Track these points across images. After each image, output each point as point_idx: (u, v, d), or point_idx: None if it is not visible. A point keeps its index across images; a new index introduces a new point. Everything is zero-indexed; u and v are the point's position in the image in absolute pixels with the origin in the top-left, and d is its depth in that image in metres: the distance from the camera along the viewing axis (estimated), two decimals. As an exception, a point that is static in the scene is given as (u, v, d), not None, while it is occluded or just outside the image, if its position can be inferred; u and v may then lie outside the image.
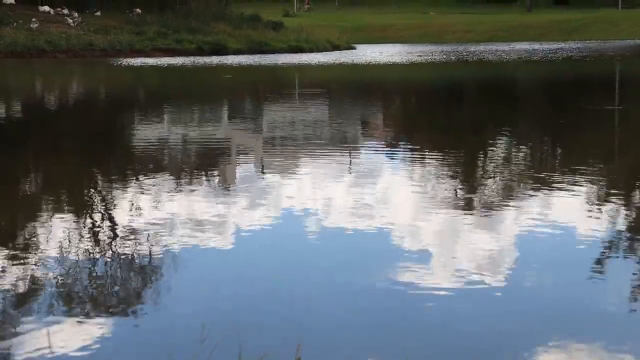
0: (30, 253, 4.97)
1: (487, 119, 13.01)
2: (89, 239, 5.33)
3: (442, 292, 4.16)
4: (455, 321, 3.79)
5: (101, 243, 5.23)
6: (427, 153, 8.95)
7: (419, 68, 27.43)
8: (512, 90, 20.01)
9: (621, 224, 5.58)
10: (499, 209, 6.03)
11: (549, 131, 11.16)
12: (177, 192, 6.81)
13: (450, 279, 4.37)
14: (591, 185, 6.86)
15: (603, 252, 4.89)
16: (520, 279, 4.38)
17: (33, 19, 36.19)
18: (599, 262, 4.71)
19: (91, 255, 4.93)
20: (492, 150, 9.29)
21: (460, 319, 3.82)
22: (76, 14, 38.83)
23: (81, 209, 6.30)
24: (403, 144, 9.92)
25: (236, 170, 8.14)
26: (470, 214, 5.86)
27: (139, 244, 5.15)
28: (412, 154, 9.08)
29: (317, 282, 4.40)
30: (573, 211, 5.91)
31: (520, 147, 9.62)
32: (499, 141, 10.08)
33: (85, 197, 6.85)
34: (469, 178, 7.53)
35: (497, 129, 11.39)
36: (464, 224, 5.56)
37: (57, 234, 5.41)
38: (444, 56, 33.87)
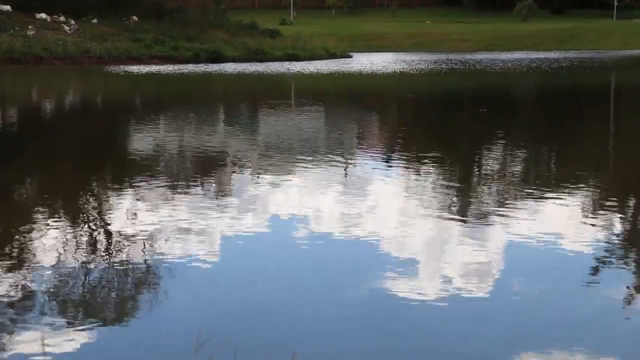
0: (26, 260, 5.02)
1: (466, 128, 13.09)
2: (83, 247, 5.39)
3: (434, 299, 4.23)
4: (446, 327, 3.87)
5: (97, 251, 5.29)
6: (401, 161, 9.02)
7: (413, 77, 27.49)
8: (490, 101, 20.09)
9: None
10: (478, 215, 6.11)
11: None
12: (173, 200, 6.87)
13: (441, 286, 4.44)
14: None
15: (587, 262, 4.97)
16: (509, 288, 4.46)
17: (30, 26, 36.19)
18: (582, 271, 4.78)
19: (86, 263, 4.99)
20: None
21: (451, 325, 3.89)
22: (73, 21, 38.83)
23: (77, 216, 6.35)
24: (388, 153, 9.99)
25: (232, 179, 8.20)
26: (461, 224, 5.93)
27: (135, 252, 5.21)
28: (394, 163, 9.15)
29: (313, 290, 4.47)
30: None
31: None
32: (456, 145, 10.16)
33: (81, 205, 6.91)
34: (452, 187, 7.61)
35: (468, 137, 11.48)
36: (453, 234, 5.64)
37: (54, 242, 5.47)
38: (441, 65, 33.96)
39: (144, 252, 5.20)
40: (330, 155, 9.50)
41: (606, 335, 3.82)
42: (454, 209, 6.62)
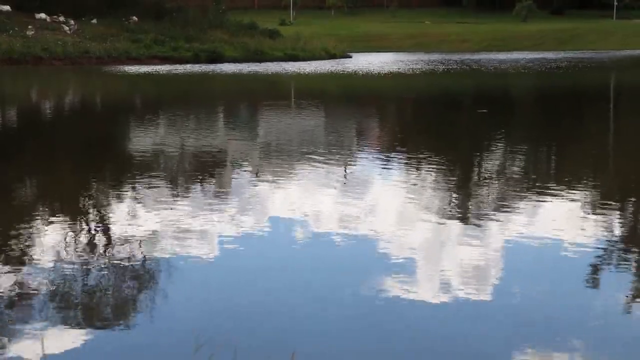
0: (25, 260, 5.02)
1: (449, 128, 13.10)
2: (82, 247, 5.39)
3: (434, 300, 4.23)
4: (446, 327, 3.87)
5: (97, 251, 5.29)
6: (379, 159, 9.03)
7: (413, 77, 27.50)
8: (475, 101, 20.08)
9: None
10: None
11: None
12: (173, 200, 6.87)
13: (440, 286, 4.44)
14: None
15: (584, 263, 4.97)
16: (508, 288, 4.46)
17: (29, 27, 36.21)
18: (582, 271, 4.78)
19: (85, 263, 4.99)
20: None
21: (450, 325, 3.89)
22: (72, 21, 38.83)
23: (75, 216, 6.35)
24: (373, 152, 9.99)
25: (230, 178, 8.20)
26: (461, 224, 5.94)
27: (134, 252, 5.21)
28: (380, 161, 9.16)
29: (313, 290, 4.47)
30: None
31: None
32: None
33: (80, 205, 6.91)
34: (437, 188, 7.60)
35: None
36: (453, 234, 5.64)
37: (52, 242, 5.47)
38: (441, 66, 33.98)
39: (142, 252, 5.19)
40: (329, 155, 9.50)
41: (606, 335, 3.81)
42: (453, 209, 6.62)
